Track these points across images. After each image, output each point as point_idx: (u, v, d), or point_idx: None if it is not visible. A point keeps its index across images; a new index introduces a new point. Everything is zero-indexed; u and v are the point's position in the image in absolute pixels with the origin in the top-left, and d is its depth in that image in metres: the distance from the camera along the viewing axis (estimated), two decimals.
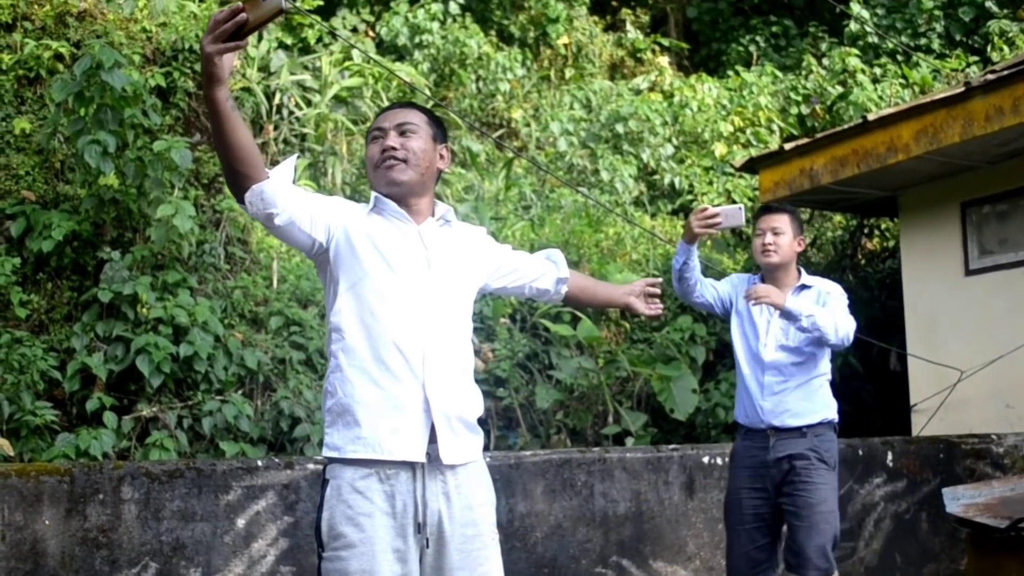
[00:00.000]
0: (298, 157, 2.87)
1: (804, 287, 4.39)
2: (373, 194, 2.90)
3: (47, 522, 3.71)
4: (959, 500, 4.59)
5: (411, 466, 2.69)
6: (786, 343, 4.33)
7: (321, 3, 9.70)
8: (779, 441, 4.27)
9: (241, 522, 4.05)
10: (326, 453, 2.73)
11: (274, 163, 2.79)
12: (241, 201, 2.66)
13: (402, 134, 2.90)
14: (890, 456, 5.66)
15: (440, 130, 3.01)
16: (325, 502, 2.69)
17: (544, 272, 3.25)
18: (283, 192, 2.67)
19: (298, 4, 8.74)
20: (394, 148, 2.87)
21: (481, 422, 6.19)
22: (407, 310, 2.76)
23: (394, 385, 2.71)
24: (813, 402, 4.35)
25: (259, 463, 4.16)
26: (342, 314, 2.77)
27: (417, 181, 2.90)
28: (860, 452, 5.57)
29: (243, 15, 2.44)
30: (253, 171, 2.62)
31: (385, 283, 2.77)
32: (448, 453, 2.73)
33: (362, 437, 2.67)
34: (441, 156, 3.00)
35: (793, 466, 4.24)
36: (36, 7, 6.39)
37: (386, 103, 8.83)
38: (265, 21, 2.49)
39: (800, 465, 4.23)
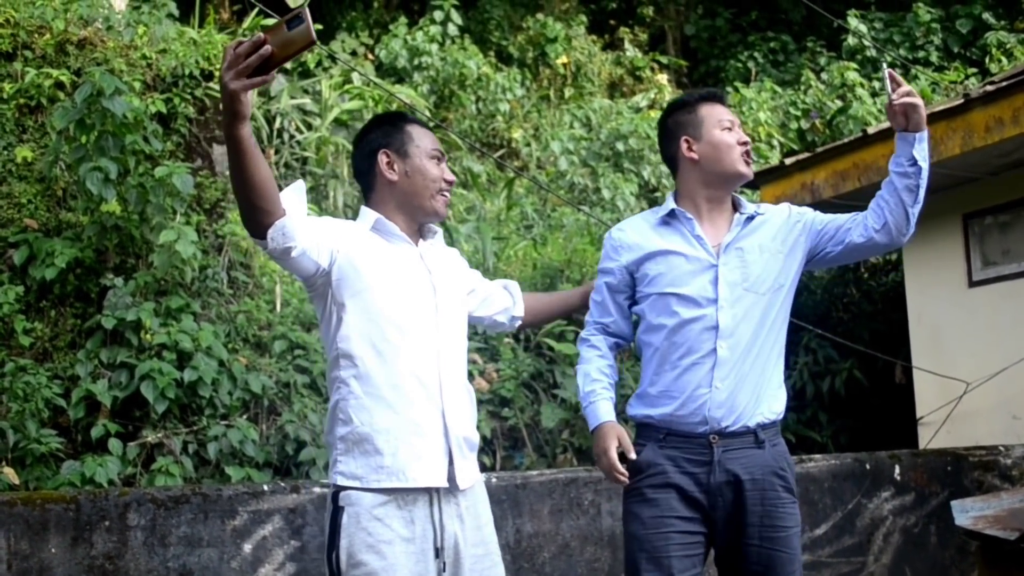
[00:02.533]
0: (303, 182, 2.83)
1: (753, 216, 3.11)
2: (374, 215, 2.86)
3: (53, 550, 3.69)
4: (968, 513, 4.57)
5: (427, 491, 2.68)
6: (751, 287, 2.98)
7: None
8: (727, 453, 2.92)
9: (248, 547, 4.03)
10: (341, 482, 2.68)
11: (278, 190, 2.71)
12: (260, 236, 2.58)
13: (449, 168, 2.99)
14: (898, 470, 5.64)
15: None
16: (342, 530, 2.63)
17: (506, 307, 3.25)
18: (300, 225, 2.63)
19: None
20: (453, 183, 2.97)
21: (487, 442, 6.18)
22: (422, 336, 2.75)
23: (414, 412, 2.69)
24: (771, 388, 3.01)
25: (265, 488, 4.15)
26: (352, 340, 2.72)
27: None
28: (867, 466, 5.55)
29: (267, 48, 2.29)
30: (273, 206, 2.56)
31: (396, 308, 2.74)
32: (463, 477, 2.74)
33: (385, 466, 2.64)
34: None
35: (749, 497, 2.91)
36: (36, 36, 6.42)
37: None
38: (294, 54, 2.32)
39: (762, 499, 2.93)
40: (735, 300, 2.96)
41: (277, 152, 7.93)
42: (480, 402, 6.32)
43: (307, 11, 2.30)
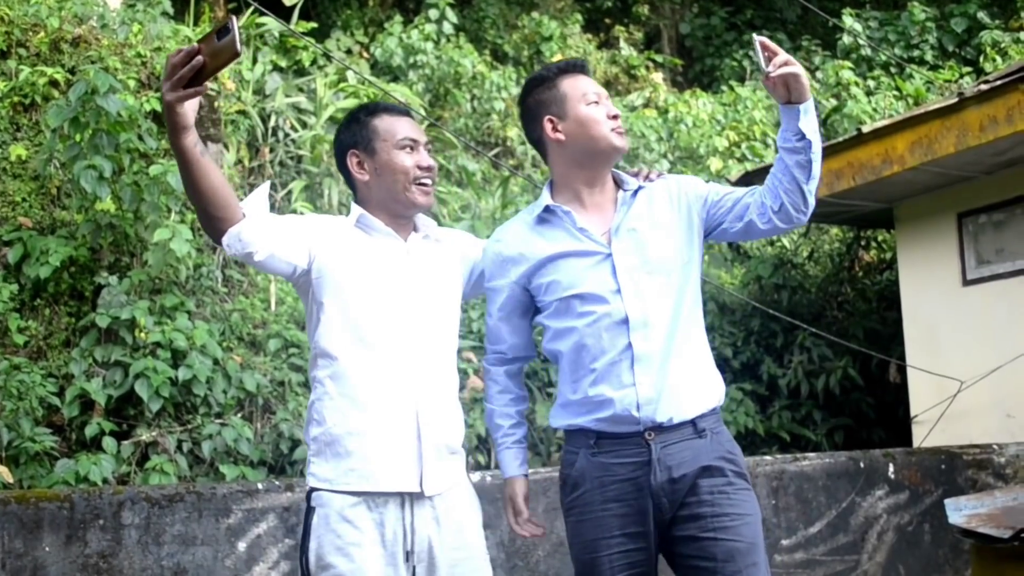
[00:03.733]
0: (270, 185, 2.77)
1: (638, 191, 2.84)
2: (358, 211, 2.79)
3: (47, 548, 3.69)
4: (962, 511, 4.57)
5: (399, 494, 2.62)
6: (654, 269, 2.72)
7: (315, 25, 9.74)
8: (666, 448, 2.65)
9: (242, 545, 4.03)
10: (313, 483, 2.65)
11: (272, 188, 2.71)
12: (218, 243, 2.59)
13: (429, 152, 2.82)
14: (892, 468, 5.65)
15: None
16: (312, 531, 2.60)
17: None
18: (259, 229, 2.59)
19: (293, 27, 8.76)
20: (432, 168, 2.79)
21: (481, 441, 6.15)
22: (399, 334, 2.67)
23: (387, 413, 2.62)
24: (700, 375, 2.77)
25: (259, 486, 4.15)
26: (329, 338, 2.67)
27: None
28: (861, 464, 5.56)
29: (199, 59, 2.33)
30: (227, 213, 2.54)
31: (372, 306, 2.68)
32: (432, 482, 2.64)
33: (355, 469, 2.59)
34: None
35: (695, 488, 2.65)
36: (31, 34, 6.41)
37: None
38: (222, 65, 2.36)
39: (710, 487, 2.65)
40: (640, 286, 2.70)
41: (272, 150, 7.92)
42: (475, 400, 6.34)
43: (234, 21, 2.33)
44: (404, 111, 2.94)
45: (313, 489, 2.65)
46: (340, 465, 2.61)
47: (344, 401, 2.63)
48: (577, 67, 2.86)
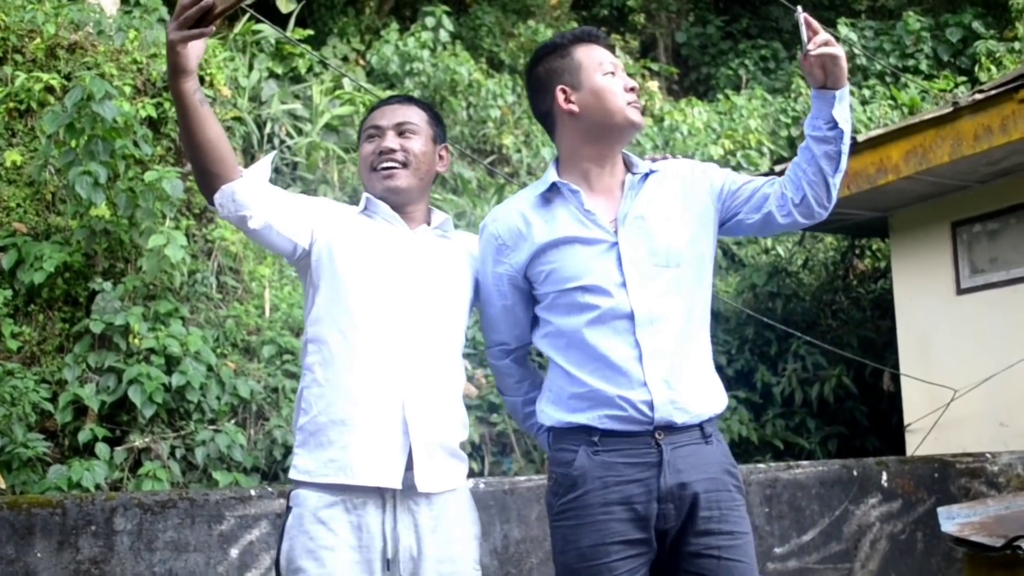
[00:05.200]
0: (276, 154, 2.69)
1: (648, 175, 2.63)
2: (364, 195, 2.71)
3: (39, 555, 3.68)
4: (954, 519, 4.57)
5: (381, 496, 2.47)
6: (662, 261, 2.53)
7: (311, 33, 9.75)
8: (676, 451, 2.46)
9: (235, 552, 4.03)
10: (293, 476, 2.52)
11: None
12: (211, 202, 2.50)
13: (401, 134, 2.71)
14: (885, 476, 5.65)
15: (440, 129, 2.82)
16: (286, 532, 2.49)
17: None
18: (257, 193, 2.52)
19: (289, 34, 8.77)
20: (392, 151, 2.68)
21: (475, 448, 6.12)
22: (390, 322, 2.55)
23: (372, 404, 2.49)
24: (708, 377, 2.61)
25: (252, 492, 4.14)
26: (321, 324, 2.57)
27: (416, 186, 2.71)
28: (855, 473, 5.56)
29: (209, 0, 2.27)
30: (223, 170, 2.46)
31: (368, 292, 2.56)
32: (424, 480, 2.49)
33: (335, 460, 2.45)
34: (440, 157, 2.80)
35: (704, 500, 2.47)
36: (27, 40, 6.42)
37: None
38: (229, 8, 2.30)
39: (718, 501, 2.49)
40: (646, 279, 2.50)
41: None
42: (468, 408, 6.34)
43: None
44: (390, 100, 2.87)
45: (294, 484, 2.53)
46: (321, 455, 2.48)
47: (331, 389, 2.51)
48: (592, 36, 2.65)
